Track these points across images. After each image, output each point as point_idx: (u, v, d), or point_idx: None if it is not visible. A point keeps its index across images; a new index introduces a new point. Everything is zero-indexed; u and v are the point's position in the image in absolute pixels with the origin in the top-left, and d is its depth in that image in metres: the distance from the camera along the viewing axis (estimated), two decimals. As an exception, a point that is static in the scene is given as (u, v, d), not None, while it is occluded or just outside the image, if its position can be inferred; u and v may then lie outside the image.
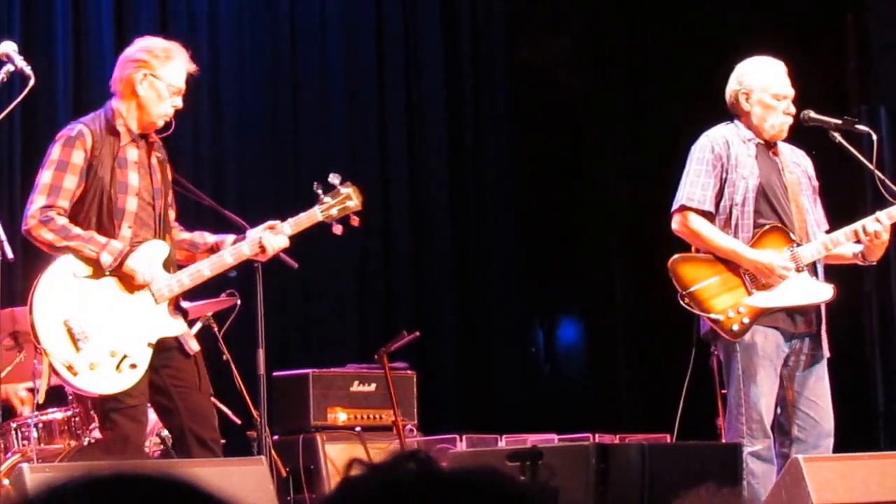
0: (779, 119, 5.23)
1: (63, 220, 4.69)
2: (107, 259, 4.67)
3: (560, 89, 9.83)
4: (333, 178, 5.05)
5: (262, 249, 4.90)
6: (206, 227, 7.52)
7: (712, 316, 5.13)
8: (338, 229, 5.04)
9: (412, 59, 9.02)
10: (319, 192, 5.03)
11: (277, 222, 4.96)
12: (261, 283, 5.07)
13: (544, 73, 9.79)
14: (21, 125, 7.15)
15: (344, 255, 8.26)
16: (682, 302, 5.18)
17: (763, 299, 5.14)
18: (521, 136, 9.41)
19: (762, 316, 5.13)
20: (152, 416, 5.84)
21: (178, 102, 4.87)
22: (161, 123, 4.87)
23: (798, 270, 5.17)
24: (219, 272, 4.92)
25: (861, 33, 8.86)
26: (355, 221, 5.07)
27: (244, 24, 8.40)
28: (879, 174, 5.32)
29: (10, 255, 4.79)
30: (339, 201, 5.04)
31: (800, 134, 5.44)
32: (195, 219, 7.69)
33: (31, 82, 4.86)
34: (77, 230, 4.70)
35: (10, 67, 4.88)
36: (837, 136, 5.36)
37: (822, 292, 5.20)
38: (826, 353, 5.21)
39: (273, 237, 4.91)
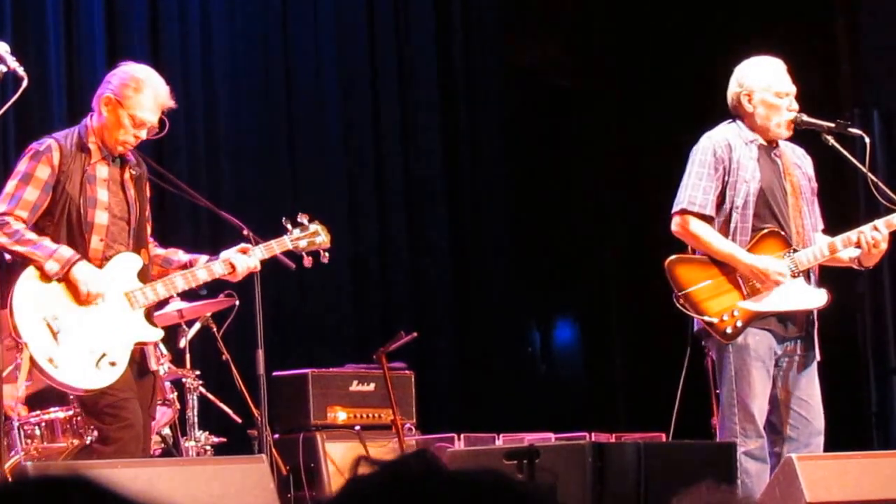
0: (783, 117, 5.23)
1: (18, 226, 4.78)
2: (52, 267, 4.77)
3: (554, 92, 9.86)
4: (302, 218, 5.25)
5: (233, 269, 5.01)
6: (203, 231, 7.59)
7: (706, 318, 5.16)
8: (307, 262, 5.24)
9: (405, 63, 9.02)
10: (288, 225, 5.21)
11: (249, 246, 5.09)
12: (259, 284, 5.14)
13: (538, 76, 9.82)
14: (14, 126, 7.16)
15: (341, 256, 8.29)
16: (676, 303, 5.21)
17: (757, 303, 5.16)
18: (515, 139, 9.43)
19: (756, 320, 5.17)
20: (154, 414, 5.91)
21: (142, 134, 4.92)
22: (120, 150, 4.93)
23: (794, 276, 5.19)
24: (191, 286, 5.03)
25: (853, 37, 8.90)
26: (325, 258, 5.27)
27: (236, 24, 8.37)
28: (872, 177, 5.32)
29: (8, 257, 4.86)
30: (307, 235, 5.24)
31: (794, 137, 5.47)
32: (191, 222, 7.75)
33: (24, 83, 4.85)
34: (30, 236, 4.79)
35: (2, 68, 4.86)
36: (830, 139, 5.36)
37: (816, 298, 5.22)
38: (817, 355, 5.26)
39: (243, 259, 5.02)
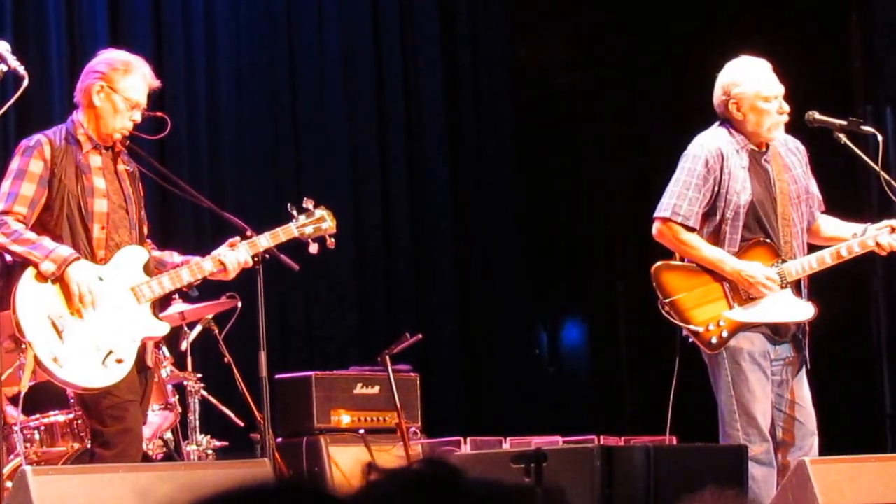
0: (773, 119, 5.14)
1: (17, 226, 4.76)
2: (48, 267, 4.73)
3: (561, 91, 9.80)
4: (307, 203, 5.19)
5: (223, 266, 4.92)
6: (205, 230, 7.54)
7: (691, 327, 5.12)
8: (313, 248, 5.17)
9: (410, 62, 8.97)
10: (294, 211, 5.15)
11: (237, 239, 5.01)
12: (262, 285, 5.08)
13: (545, 74, 9.77)
14: (15, 126, 7.11)
15: (345, 256, 8.24)
16: (662, 310, 5.17)
17: (743, 314, 5.11)
18: (522, 138, 9.38)
19: (741, 330, 5.10)
20: (155, 418, 5.85)
21: (137, 117, 4.92)
22: (118, 137, 4.91)
23: (781, 287, 5.12)
24: (196, 278, 4.96)
25: (866, 33, 8.84)
26: (331, 244, 5.20)
27: (241, 23, 8.33)
28: (885, 175, 5.29)
29: (9, 258, 4.82)
30: (314, 221, 5.17)
31: (805, 136, 5.40)
32: (194, 222, 7.69)
33: (25, 83, 4.86)
34: (29, 235, 4.76)
35: (3, 67, 4.86)
36: (843, 137, 5.32)
37: (802, 311, 5.16)
38: (807, 361, 5.19)
39: (231, 254, 4.96)
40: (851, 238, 5.18)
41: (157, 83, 4.99)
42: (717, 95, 5.22)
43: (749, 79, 5.15)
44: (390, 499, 1.35)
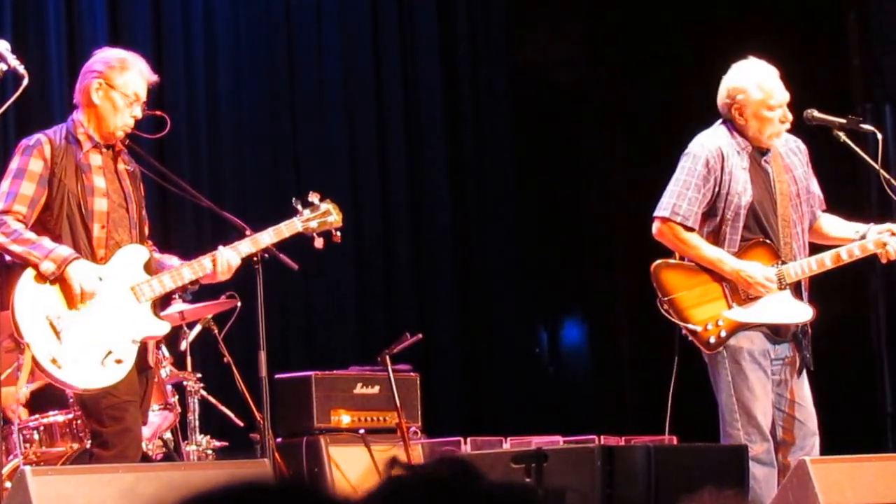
0: (775, 128, 5.13)
1: (17, 225, 4.75)
2: (48, 267, 4.72)
3: (561, 90, 9.79)
4: (312, 197, 5.16)
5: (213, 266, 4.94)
6: (205, 230, 7.53)
7: (690, 326, 5.11)
8: (319, 243, 5.14)
9: (410, 61, 8.96)
10: (298, 206, 5.13)
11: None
12: (261, 285, 5.07)
13: (544, 74, 9.76)
14: (15, 126, 7.10)
15: (345, 256, 8.24)
16: (661, 308, 5.16)
17: (742, 314, 5.11)
18: (521, 137, 9.37)
19: (740, 330, 5.09)
20: (155, 418, 5.85)
21: (137, 112, 4.92)
22: (121, 134, 4.92)
23: (780, 288, 5.12)
24: (198, 275, 4.94)
25: (864, 31, 8.83)
26: (337, 238, 5.18)
27: (240, 22, 8.33)
28: (885, 174, 5.27)
29: (8, 258, 4.82)
30: (319, 215, 5.14)
31: (804, 134, 5.39)
32: (193, 223, 7.69)
33: (25, 82, 4.85)
34: (28, 235, 4.76)
35: (2, 67, 4.86)
36: (842, 136, 5.30)
37: (801, 313, 5.15)
38: (810, 362, 5.18)
39: (226, 252, 4.95)
40: (854, 236, 5.18)
41: (154, 77, 4.99)
42: (722, 96, 5.20)
43: (756, 85, 5.12)
44: (409, 496, 1.34)
